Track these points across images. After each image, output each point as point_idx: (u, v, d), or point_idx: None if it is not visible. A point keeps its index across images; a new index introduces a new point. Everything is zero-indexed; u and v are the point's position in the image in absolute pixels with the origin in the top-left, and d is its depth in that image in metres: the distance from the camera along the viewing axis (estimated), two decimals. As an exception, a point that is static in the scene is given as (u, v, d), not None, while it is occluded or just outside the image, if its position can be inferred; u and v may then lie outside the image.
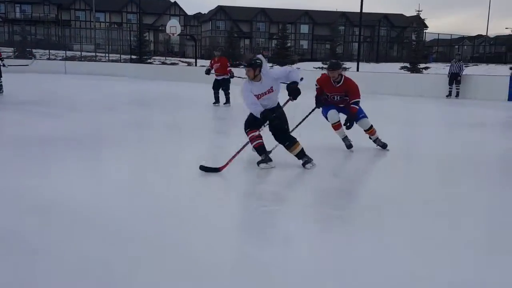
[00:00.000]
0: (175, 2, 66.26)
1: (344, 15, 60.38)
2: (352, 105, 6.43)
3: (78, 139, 7.29)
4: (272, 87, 5.49)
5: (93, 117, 10.39)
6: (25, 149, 6.57)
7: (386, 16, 64.31)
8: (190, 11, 69.81)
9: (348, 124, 6.37)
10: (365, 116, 6.61)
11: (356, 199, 4.84)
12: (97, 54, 40.24)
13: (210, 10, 67.75)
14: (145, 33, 44.04)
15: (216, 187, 4.95)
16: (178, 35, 30.76)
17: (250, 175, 5.51)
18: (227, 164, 5.28)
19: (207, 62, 40.36)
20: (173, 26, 28.28)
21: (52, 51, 39.70)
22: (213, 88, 12.95)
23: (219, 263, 3.02)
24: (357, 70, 23.72)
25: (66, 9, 63.01)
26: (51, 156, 6.13)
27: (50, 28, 48.17)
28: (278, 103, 5.68)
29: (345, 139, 6.75)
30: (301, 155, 5.55)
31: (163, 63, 40.80)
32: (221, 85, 12.82)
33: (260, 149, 5.54)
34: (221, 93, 12.87)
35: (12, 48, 41.51)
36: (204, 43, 62.85)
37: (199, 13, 72.57)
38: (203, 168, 5.20)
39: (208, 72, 13.05)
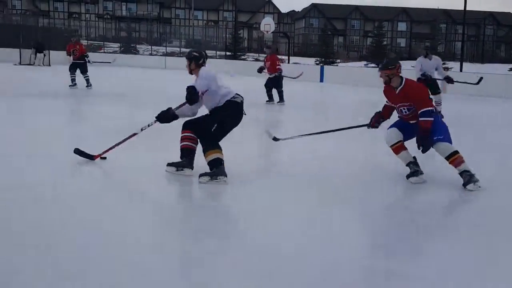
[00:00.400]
0: (269, 0, 67.10)
1: (445, 12, 58.12)
2: (420, 119, 4.70)
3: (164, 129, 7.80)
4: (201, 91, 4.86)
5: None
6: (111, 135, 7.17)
7: (492, 14, 61.18)
8: (284, 9, 70.59)
9: (421, 148, 4.78)
10: (443, 139, 4.68)
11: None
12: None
13: (304, 8, 67.97)
14: (240, 31, 45.12)
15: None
16: (272, 32, 31.25)
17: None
18: (103, 152, 5.15)
19: (300, 59, 40.96)
20: (267, 24, 28.83)
21: (154, 47, 41.88)
22: (265, 86, 12.55)
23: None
24: (461, 70, 22.80)
25: (167, 7, 66.05)
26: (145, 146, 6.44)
27: (152, 25, 50.74)
28: (215, 109, 4.99)
29: (410, 165, 4.95)
30: (212, 164, 4.65)
31: (256, 59, 41.58)
32: (273, 83, 12.39)
33: (184, 151, 4.90)
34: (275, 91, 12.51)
35: (118, 44, 44.23)
36: (297, 41, 63.17)
37: (293, 10, 72.97)
38: (78, 152, 5.10)
39: (260, 70, 12.83)
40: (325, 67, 25.98)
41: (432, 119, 4.66)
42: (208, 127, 4.79)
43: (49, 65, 25.49)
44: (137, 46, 43.96)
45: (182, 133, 4.90)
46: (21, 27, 34.05)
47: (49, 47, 26.83)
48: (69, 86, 13.90)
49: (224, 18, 65.21)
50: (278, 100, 12.44)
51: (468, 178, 4.62)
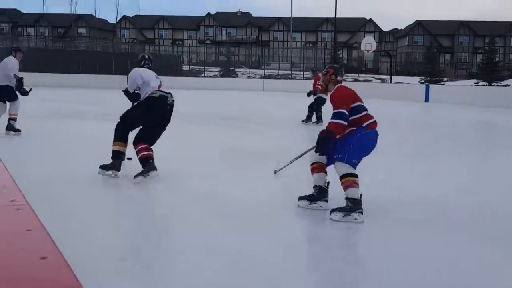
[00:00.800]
0: (370, 19, 65.77)
1: None
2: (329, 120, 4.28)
3: (271, 153, 7.33)
4: None
5: (286, 133, 10.52)
6: (227, 159, 6.81)
7: None
8: (385, 27, 68.61)
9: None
10: (341, 159, 4.09)
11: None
12: (292, 72, 41.62)
13: (408, 25, 65.72)
14: (339, 51, 44.34)
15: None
16: (373, 51, 30.25)
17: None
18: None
19: (402, 79, 39.37)
20: (368, 43, 27.93)
21: (252, 70, 42.24)
22: (308, 106, 12.23)
23: None
24: None
25: (266, 30, 66.98)
26: (246, 167, 6.21)
27: (251, 48, 51.45)
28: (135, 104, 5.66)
29: (315, 188, 4.39)
30: (112, 156, 5.26)
31: (356, 80, 40.54)
32: (314, 103, 12.01)
33: (143, 161, 5.20)
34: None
35: (218, 68, 45.15)
36: (400, 59, 61.05)
37: (395, 29, 70.90)
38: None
39: (309, 94, 12.39)
40: (431, 86, 24.45)
41: (338, 121, 4.14)
42: (127, 120, 5.34)
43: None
44: (236, 69, 44.58)
45: (137, 147, 5.20)
46: (129, 55, 35.80)
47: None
48: None
49: (323, 38, 64.77)
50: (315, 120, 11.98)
51: (348, 207, 4.02)
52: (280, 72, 41.74)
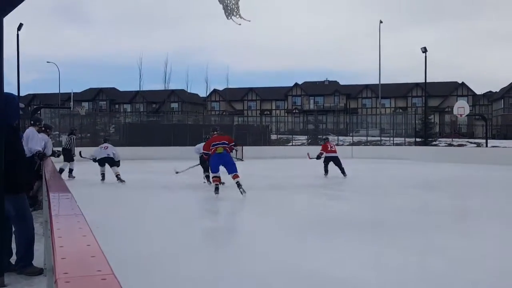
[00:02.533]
0: (462, 82, 64.08)
1: None
2: None
3: (361, 222, 7.13)
4: None
5: (378, 200, 10.22)
6: (311, 228, 6.68)
7: None
8: (479, 90, 66.36)
9: None
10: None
11: None
12: (382, 138, 40.95)
13: (502, 88, 63.15)
14: (430, 116, 43.25)
15: None
16: (466, 115, 29.22)
17: None
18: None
19: (499, 142, 37.42)
20: (461, 107, 27.11)
21: (340, 137, 42.09)
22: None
23: None
24: None
25: (354, 98, 67.16)
26: (334, 238, 6.05)
27: (339, 116, 51.57)
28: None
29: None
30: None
31: (450, 144, 39.03)
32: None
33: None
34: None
35: (306, 136, 45.43)
36: (496, 122, 58.35)
37: (490, 91, 68.37)
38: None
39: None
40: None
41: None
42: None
43: (242, 159, 26.85)
44: (323, 136, 44.61)
45: None
46: (218, 126, 37.11)
47: (244, 142, 28.57)
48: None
49: (413, 104, 63.68)
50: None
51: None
52: (369, 138, 41.21)
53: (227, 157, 10.66)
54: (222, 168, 10.63)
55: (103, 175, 15.09)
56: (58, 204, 2.37)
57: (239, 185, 10.36)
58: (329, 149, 16.75)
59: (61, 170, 14.75)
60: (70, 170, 15.97)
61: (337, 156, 16.45)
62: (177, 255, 5.20)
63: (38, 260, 4.51)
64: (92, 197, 10.35)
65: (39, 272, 4.42)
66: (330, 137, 43.59)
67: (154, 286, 4.21)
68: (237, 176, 10.54)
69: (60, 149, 13.66)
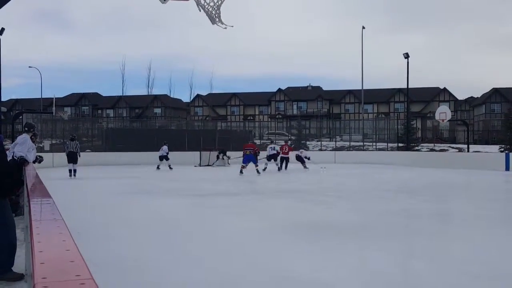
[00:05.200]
0: (444, 88, 64.83)
1: None
2: None
3: (345, 227, 7.16)
4: None
5: (360, 206, 10.26)
6: (295, 233, 6.70)
7: None
8: (460, 96, 67.27)
9: None
10: None
11: None
12: (364, 143, 41.24)
13: (484, 93, 64.06)
14: (413, 121, 43.64)
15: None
16: (448, 120, 29.55)
17: None
18: None
19: (481, 147, 37.94)
20: (443, 112, 27.41)
21: (323, 143, 42.30)
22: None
23: None
24: None
25: (337, 103, 67.54)
26: (318, 243, 6.07)
27: (322, 121, 51.80)
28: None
29: None
30: None
31: (432, 149, 39.45)
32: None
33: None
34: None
35: (290, 141, 45.59)
36: (477, 128, 59.15)
37: (471, 97, 69.30)
38: None
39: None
40: (511, 154, 23.33)
41: None
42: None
43: (229, 164, 26.87)
44: (307, 142, 44.81)
45: None
46: (201, 132, 37.03)
47: (227, 148, 28.61)
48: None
49: (395, 109, 64.26)
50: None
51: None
52: (352, 143, 41.46)
53: (252, 156, 20.25)
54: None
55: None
56: (38, 209, 2.35)
57: (258, 171, 20.05)
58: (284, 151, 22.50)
59: (74, 171, 17.81)
60: (74, 171, 18.00)
61: (288, 157, 22.51)
62: (159, 260, 5.17)
63: (19, 266, 4.46)
64: (74, 202, 10.26)
65: (20, 277, 4.37)
66: (313, 142, 43.91)
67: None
68: (257, 166, 20.23)
69: (41, 154, 13.50)
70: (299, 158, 23.75)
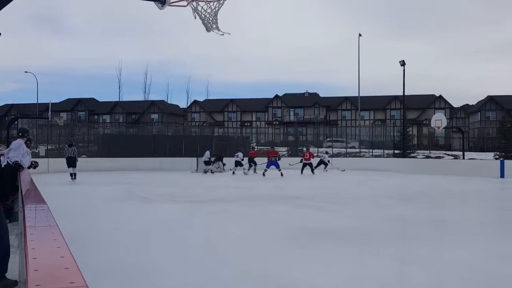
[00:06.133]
0: (440, 96, 65.07)
1: None
2: None
3: (342, 233, 7.16)
4: None
5: (357, 212, 10.26)
6: (293, 239, 6.68)
7: None
8: (456, 103, 67.62)
9: None
10: None
11: None
12: (361, 150, 41.31)
13: (479, 101, 64.33)
14: (409, 128, 43.77)
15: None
16: (444, 128, 29.63)
17: None
18: None
19: (476, 155, 38.05)
20: (438, 120, 27.48)
21: (320, 149, 42.37)
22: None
23: None
24: None
25: (333, 110, 67.68)
26: (316, 248, 6.06)
27: (319, 128, 51.87)
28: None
29: None
30: None
31: (427, 156, 39.55)
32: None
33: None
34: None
35: (287, 147, 45.60)
36: (473, 135, 59.35)
37: (466, 104, 69.60)
38: None
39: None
40: (506, 161, 23.42)
41: None
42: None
43: (224, 170, 26.91)
44: (304, 149, 44.86)
45: None
46: (198, 138, 37.00)
47: (224, 154, 28.66)
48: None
49: (391, 116, 64.44)
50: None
51: None
52: (349, 150, 41.53)
53: (275, 162, 23.18)
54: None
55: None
56: (33, 216, 2.33)
57: (281, 174, 22.27)
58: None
59: (74, 175, 19.22)
60: (75, 174, 19.26)
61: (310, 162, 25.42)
62: (154, 266, 5.14)
63: (13, 273, 4.43)
64: (69, 209, 10.21)
65: (13, 284, 4.34)
66: (311, 149, 44.04)
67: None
68: (280, 170, 22.65)
69: (36, 160, 13.45)
70: (322, 162, 28.50)
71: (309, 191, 15.50)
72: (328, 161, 28.65)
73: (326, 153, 32.80)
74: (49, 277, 1.11)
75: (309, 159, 25.37)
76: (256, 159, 26.72)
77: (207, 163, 25.96)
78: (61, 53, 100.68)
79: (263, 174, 22.79)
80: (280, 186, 17.39)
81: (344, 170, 26.54)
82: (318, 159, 29.26)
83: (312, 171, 25.08)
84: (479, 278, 4.74)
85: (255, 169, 26.55)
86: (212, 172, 26.33)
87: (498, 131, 41.34)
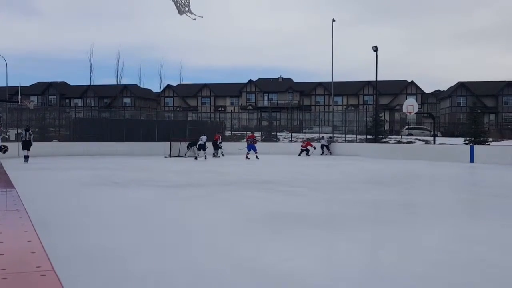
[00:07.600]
0: (412, 81, 65.87)
1: None
2: None
3: (314, 217, 7.22)
4: None
5: (330, 196, 10.36)
6: (264, 224, 6.71)
7: None
8: (427, 89, 68.59)
9: None
10: None
11: None
12: (334, 135, 41.68)
13: (450, 87, 65.38)
14: (381, 113, 44.27)
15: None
16: (415, 113, 30.05)
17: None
18: None
19: (446, 140, 38.75)
20: (410, 105, 27.85)
21: (293, 134, 42.56)
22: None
23: None
24: None
25: (307, 95, 67.94)
26: (287, 233, 6.10)
27: (292, 113, 52.03)
28: None
29: None
30: None
31: (399, 141, 40.10)
32: None
33: None
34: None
35: (260, 132, 45.68)
36: (444, 120, 60.37)
37: (438, 90, 70.68)
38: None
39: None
40: (475, 146, 23.95)
41: None
42: None
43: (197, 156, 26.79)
44: (278, 134, 44.98)
45: None
46: (172, 123, 36.73)
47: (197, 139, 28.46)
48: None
49: (364, 101, 65.07)
50: None
51: None
52: (322, 135, 41.83)
53: (253, 146, 25.53)
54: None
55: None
56: (1, 200, 2.29)
57: (257, 157, 24.73)
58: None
59: (27, 157, 20.58)
60: (27, 157, 20.57)
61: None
62: (126, 252, 5.11)
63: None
64: (38, 193, 10.06)
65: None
66: (284, 134, 44.18)
67: (98, 282, 4.12)
68: (256, 153, 25.14)
69: (6, 144, 13.21)
70: (324, 146, 32.12)
71: (282, 175, 15.58)
72: (325, 145, 32.18)
73: (324, 138, 33.56)
74: (15, 261, 1.09)
75: (305, 146, 30.11)
76: (222, 144, 28.12)
77: (201, 146, 25.77)
78: (31, 35, 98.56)
79: (246, 157, 25.04)
80: (253, 171, 17.43)
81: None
82: (318, 144, 32.13)
83: (307, 154, 29.57)
84: (451, 261, 4.84)
85: (216, 154, 27.13)
86: (185, 156, 26.22)
87: (468, 117, 42.08)
